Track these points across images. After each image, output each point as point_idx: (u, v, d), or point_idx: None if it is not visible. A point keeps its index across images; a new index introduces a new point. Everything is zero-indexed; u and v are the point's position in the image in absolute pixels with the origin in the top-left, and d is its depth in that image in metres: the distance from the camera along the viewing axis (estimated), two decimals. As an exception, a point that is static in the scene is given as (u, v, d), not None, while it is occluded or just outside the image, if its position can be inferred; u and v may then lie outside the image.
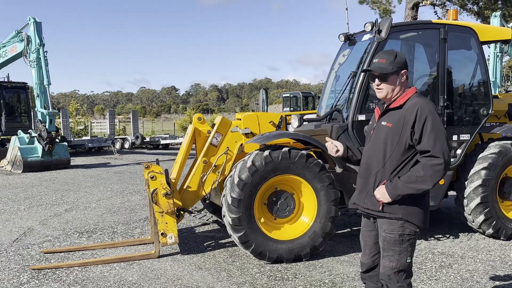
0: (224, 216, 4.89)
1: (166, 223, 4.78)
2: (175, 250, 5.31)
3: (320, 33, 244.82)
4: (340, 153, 3.10)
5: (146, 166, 5.08)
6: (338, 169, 5.31)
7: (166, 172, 4.92)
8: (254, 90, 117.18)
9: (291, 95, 27.24)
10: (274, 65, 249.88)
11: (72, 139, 19.20)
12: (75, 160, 15.75)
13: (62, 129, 18.74)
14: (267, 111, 6.53)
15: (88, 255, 5.25)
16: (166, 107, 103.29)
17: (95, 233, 6.17)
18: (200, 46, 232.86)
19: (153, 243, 5.22)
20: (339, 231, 6.05)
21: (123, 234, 6.12)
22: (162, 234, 4.78)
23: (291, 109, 25.77)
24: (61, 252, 5.33)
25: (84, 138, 21.45)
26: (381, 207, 2.80)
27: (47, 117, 12.92)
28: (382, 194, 2.78)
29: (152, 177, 4.81)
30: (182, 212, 5.20)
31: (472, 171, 5.47)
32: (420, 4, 23.32)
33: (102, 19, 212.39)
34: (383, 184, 2.80)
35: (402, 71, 2.85)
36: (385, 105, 2.94)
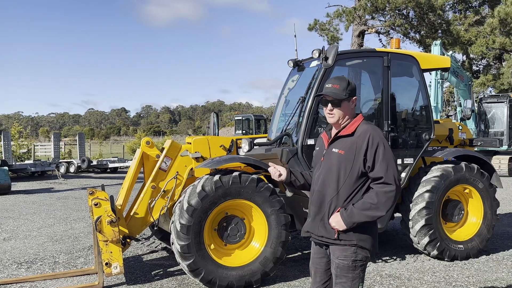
0: (172, 243, 4.75)
1: (111, 252, 4.58)
2: (121, 280, 5.09)
3: (270, 57, 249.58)
4: (283, 177, 3.09)
5: (91, 192, 4.87)
6: (289, 193, 5.33)
7: (112, 199, 4.74)
8: (207, 112, 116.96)
9: (244, 118, 27.41)
10: (225, 88, 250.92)
11: (13, 163, 18.24)
12: (17, 186, 14.97)
13: (3, 152, 17.79)
14: (218, 135, 6.50)
15: (26, 287, 4.92)
16: (115, 129, 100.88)
17: (35, 264, 5.81)
18: (150, 67, 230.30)
19: (97, 273, 4.98)
20: (290, 255, 6.03)
21: (65, 264, 5.81)
22: (106, 264, 4.56)
23: (244, 132, 25.88)
24: (-4, 285, 4.98)
25: (26, 162, 20.42)
26: (336, 234, 2.80)
27: (-14, 140, 12.27)
28: (337, 222, 2.78)
29: (96, 204, 4.61)
30: (128, 240, 5.02)
31: (416, 193, 5.64)
32: (366, 32, 24.37)
33: (46, 38, 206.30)
34: (338, 211, 2.80)
35: (353, 98, 2.91)
36: (334, 132, 2.97)
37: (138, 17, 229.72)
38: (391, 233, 7.28)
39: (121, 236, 4.74)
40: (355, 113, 2.95)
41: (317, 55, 5.41)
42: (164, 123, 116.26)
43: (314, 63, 5.71)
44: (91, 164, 19.73)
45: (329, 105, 2.89)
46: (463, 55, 31.31)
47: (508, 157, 16.19)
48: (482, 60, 35.51)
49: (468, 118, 7.58)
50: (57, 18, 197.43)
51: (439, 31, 24.29)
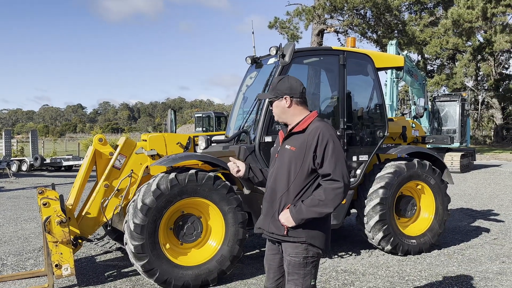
0: (126, 244, 4.63)
1: (61, 253, 4.40)
2: (72, 282, 4.92)
3: (230, 54, 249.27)
4: (241, 173, 3.08)
5: (40, 191, 4.66)
6: (246, 191, 5.30)
7: (62, 198, 4.56)
8: (167, 109, 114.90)
9: (204, 115, 27.21)
10: (185, 84, 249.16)
11: (-39, 161, 17.37)
12: (-37, 185, 14.23)
13: None
14: (175, 132, 6.39)
15: (-31, 293, 4.68)
16: (71, 126, 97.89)
17: (-20, 267, 5.53)
18: (107, 63, 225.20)
19: (46, 275, 4.79)
20: (248, 253, 6.02)
21: (13, 266, 5.56)
22: (56, 265, 4.38)
23: (204, 129, 25.71)
24: None
25: (-25, 160, 19.50)
26: (285, 231, 2.80)
27: None
28: (286, 218, 2.78)
29: (45, 204, 4.42)
30: (80, 241, 4.85)
31: (371, 190, 5.75)
32: (325, 31, 24.72)
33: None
34: (287, 208, 2.80)
35: (284, 97, 2.88)
36: (288, 129, 2.96)
37: (94, 12, 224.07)
38: (347, 229, 7.40)
39: (72, 237, 4.58)
40: (300, 111, 2.90)
41: (274, 52, 5.41)
42: (123, 120, 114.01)
43: (272, 60, 5.71)
44: (45, 162, 19.05)
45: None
46: (418, 55, 32.35)
47: (460, 154, 16.82)
48: (436, 60, 36.88)
49: (421, 116, 7.78)
50: (8, 10, 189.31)
51: (395, 31, 24.98)
